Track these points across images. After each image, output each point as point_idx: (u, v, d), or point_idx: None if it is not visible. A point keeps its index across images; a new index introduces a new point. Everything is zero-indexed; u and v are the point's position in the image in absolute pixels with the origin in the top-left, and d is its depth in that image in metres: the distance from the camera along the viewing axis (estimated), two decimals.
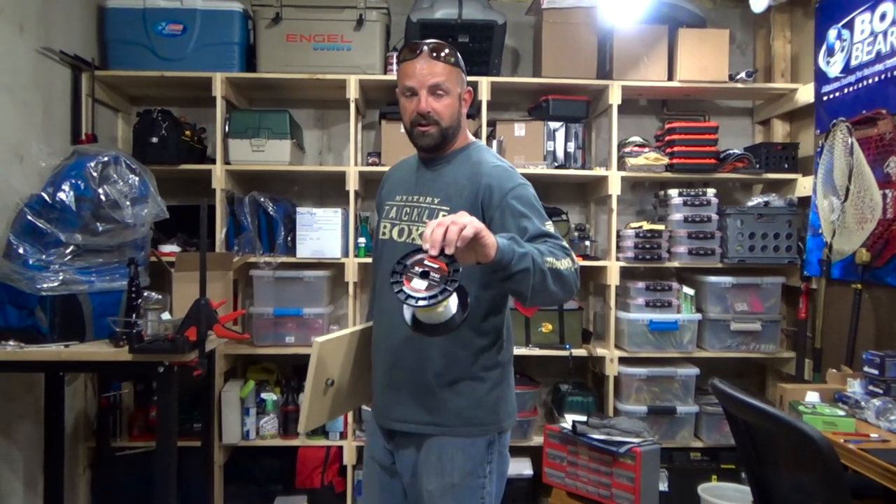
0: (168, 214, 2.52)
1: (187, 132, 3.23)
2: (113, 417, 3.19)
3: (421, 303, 1.28)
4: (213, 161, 3.24)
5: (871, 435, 2.06)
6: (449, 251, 1.29)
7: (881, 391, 2.36)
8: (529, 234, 1.57)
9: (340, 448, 3.26)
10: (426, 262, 1.31)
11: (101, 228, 2.33)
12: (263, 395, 3.25)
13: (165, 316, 2.36)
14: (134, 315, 2.29)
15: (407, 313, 1.41)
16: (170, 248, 3.14)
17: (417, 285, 1.30)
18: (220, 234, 3.19)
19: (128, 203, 2.34)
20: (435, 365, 1.68)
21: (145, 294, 2.37)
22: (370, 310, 1.96)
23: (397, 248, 1.71)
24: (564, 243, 1.59)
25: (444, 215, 1.52)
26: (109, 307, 2.38)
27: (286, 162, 3.23)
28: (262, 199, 3.25)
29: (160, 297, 2.41)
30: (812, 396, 2.41)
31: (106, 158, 2.36)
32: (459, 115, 1.74)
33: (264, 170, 3.29)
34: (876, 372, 2.41)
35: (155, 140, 3.12)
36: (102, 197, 2.29)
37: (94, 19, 3.29)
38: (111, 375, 3.13)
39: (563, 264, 1.51)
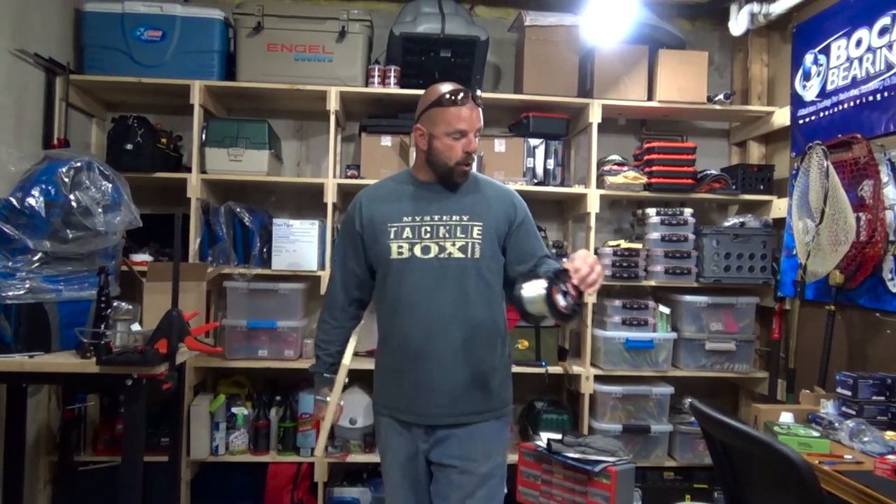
0: (141, 223, 2.46)
1: (163, 139, 3.18)
2: (77, 431, 3.09)
3: (563, 312, 1.68)
4: (189, 170, 3.19)
5: (846, 456, 2.07)
6: (588, 291, 1.69)
7: (854, 412, 2.38)
8: (537, 253, 2.01)
9: (311, 465, 3.20)
10: (569, 284, 1.67)
11: (71, 236, 2.27)
12: (234, 410, 3.18)
13: (135, 327, 2.30)
14: (103, 325, 2.22)
15: (541, 306, 1.71)
16: (142, 258, 3.07)
17: (559, 300, 1.67)
18: (195, 244, 3.13)
19: (100, 210, 2.28)
20: (483, 358, 1.94)
21: (115, 304, 2.31)
22: (349, 323, 2.13)
23: (425, 265, 1.91)
24: None
25: (478, 231, 1.91)
26: (77, 317, 2.31)
27: (264, 172, 3.19)
28: (238, 210, 3.20)
29: (130, 307, 2.35)
30: (786, 417, 2.43)
31: (79, 164, 2.30)
32: None
33: (241, 180, 3.24)
34: (849, 393, 2.43)
35: (130, 147, 3.06)
36: (73, 203, 2.24)
37: (71, 23, 3.23)
38: (77, 387, 3.04)
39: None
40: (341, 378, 1.86)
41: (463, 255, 1.91)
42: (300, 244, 3.18)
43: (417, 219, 1.94)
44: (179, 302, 2.27)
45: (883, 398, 2.41)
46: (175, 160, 3.30)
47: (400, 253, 1.92)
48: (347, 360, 1.92)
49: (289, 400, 3.27)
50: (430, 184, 1.98)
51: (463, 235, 1.92)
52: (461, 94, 1.88)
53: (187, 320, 2.23)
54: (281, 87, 3.23)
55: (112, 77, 3.16)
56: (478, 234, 1.92)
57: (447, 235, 1.91)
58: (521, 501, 3.09)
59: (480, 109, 1.94)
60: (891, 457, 1.96)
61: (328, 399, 2.04)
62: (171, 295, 2.23)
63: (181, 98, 3.18)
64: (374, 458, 3.26)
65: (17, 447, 2.63)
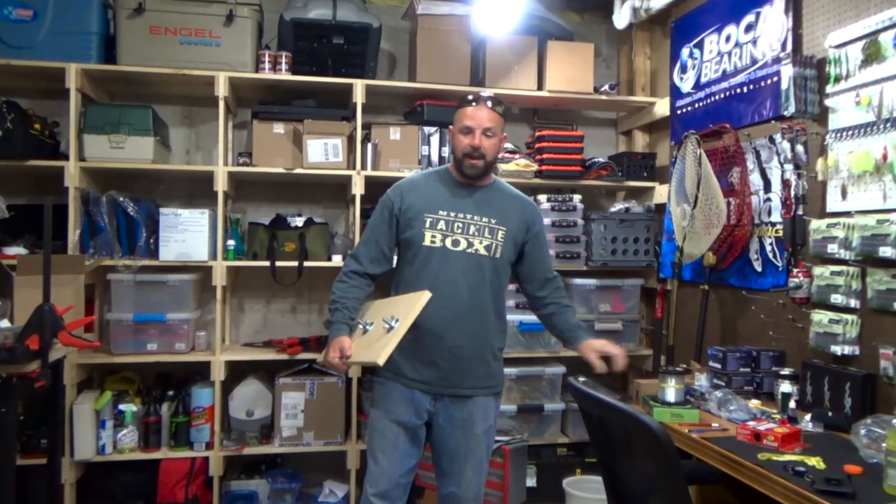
0: (7, 214, 2.33)
1: (37, 125, 3.00)
2: None
3: None
4: (67, 157, 3.03)
5: (713, 424, 2.22)
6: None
7: (724, 384, 2.56)
8: (546, 269, 2.37)
9: (206, 459, 3.13)
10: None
11: None
12: (122, 407, 3.06)
13: (4, 324, 2.17)
14: None
15: None
16: (15, 251, 2.89)
17: None
18: (74, 235, 2.98)
19: None
20: (489, 342, 2.24)
21: None
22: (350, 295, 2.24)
23: (453, 256, 2.18)
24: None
25: (502, 234, 2.22)
26: None
27: (149, 160, 3.07)
28: (121, 199, 3.07)
29: None
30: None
31: None
32: (498, 154, 2.32)
33: (125, 167, 3.10)
34: (719, 366, 2.61)
35: None
36: None
37: None
38: None
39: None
40: (420, 306, 2.05)
41: (486, 254, 2.21)
42: (190, 234, 3.09)
43: (452, 214, 2.20)
44: (55, 296, 2.16)
45: (749, 370, 2.60)
46: (51, 147, 3.12)
47: (433, 241, 2.18)
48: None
49: (181, 394, 3.18)
50: (465, 184, 2.26)
51: (489, 236, 2.21)
52: (473, 97, 2.21)
53: (61, 315, 2.13)
54: (165, 71, 3.10)
55: None
56: (501, 238, 2.22)
57: (476, 234, 2.20)
58: (419, 484, 3.13)
59: (495, 112, 2.20)
60: (751, 423, 2.12)
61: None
62: (42, 289, 2.12)
63: (56, 82, 3.00)
64: (271, 449, 3.23)
65: None
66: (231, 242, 3.20)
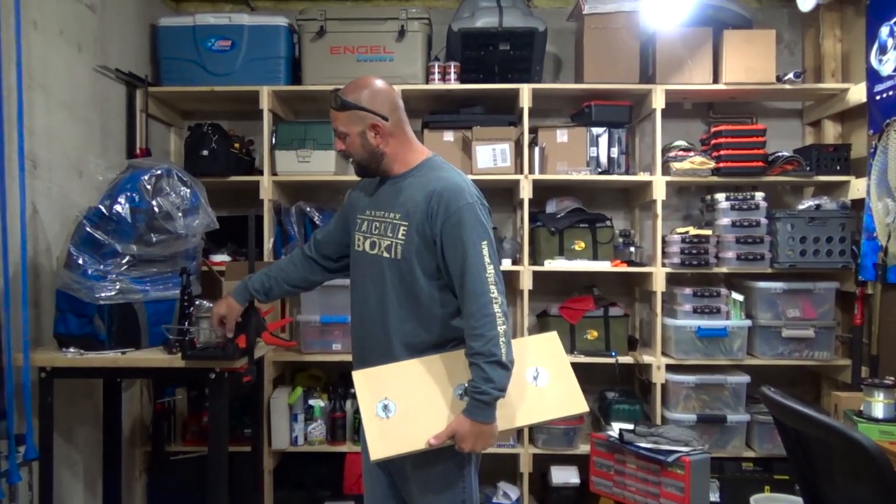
0: (218, 225, 2.59)
1: (236, 144, 3.32)
2: (167, 422, 3.29)
3: None
4: (261, 172, 3.32)
5: None
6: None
7: None
8: (463, 297, 1.78)
9: None
10: None
11: (154, 239, 2.41)
12: (311, 402, 3.31)
13: None
14: (186, 323, 2.36)
15: None
16: (220, 258, 3.22)
17: None
18: (268, 243, 3.27)
19: (180, 214, 2.41)
20: (397, 355, 1.87)
21: (197, 302, 2.44)
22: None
23: (370, 259, 1.91)
24: (488, 290, 1.74)
25: (404, 231, 1.83)
26: (163, 315, 2.46)
27: (331, 172, 3.30)
28: (307, 209, 3.32)
29: (211, 305, 2.48)
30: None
31: (159, 172, 2.44)
32: (370, 147, 1.88)
33: (310, 180, 3.36)
34: None
35: (205, 153, 3.22)
36: (156, 209, 2.37)
37: (148, 38, 3.42)
38: (165, 381, 3.23)
39: (489, 347, 1.72)
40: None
41: (387, 255, 1.88)
42: None
43: (372, 213, 1.95)
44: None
45: None
46: (248, 164, 3.44)
47: (357, 245, 1.97)
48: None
49: None
50: (386, 179, 1.97)
51: (391, 235, 1.87)
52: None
53: (264, 316, 2.34)
54: None
55: (187, 87, 3.33)
56: (402, 235, 1.85)
57: (383, 233, 1.90)
58: (594, 492, 3.09)
59: (337, 110, 1.86)
60: None
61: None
62: None
63: (251, 104, 3.31)
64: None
65: (114, 438, 2.82)
66: None
